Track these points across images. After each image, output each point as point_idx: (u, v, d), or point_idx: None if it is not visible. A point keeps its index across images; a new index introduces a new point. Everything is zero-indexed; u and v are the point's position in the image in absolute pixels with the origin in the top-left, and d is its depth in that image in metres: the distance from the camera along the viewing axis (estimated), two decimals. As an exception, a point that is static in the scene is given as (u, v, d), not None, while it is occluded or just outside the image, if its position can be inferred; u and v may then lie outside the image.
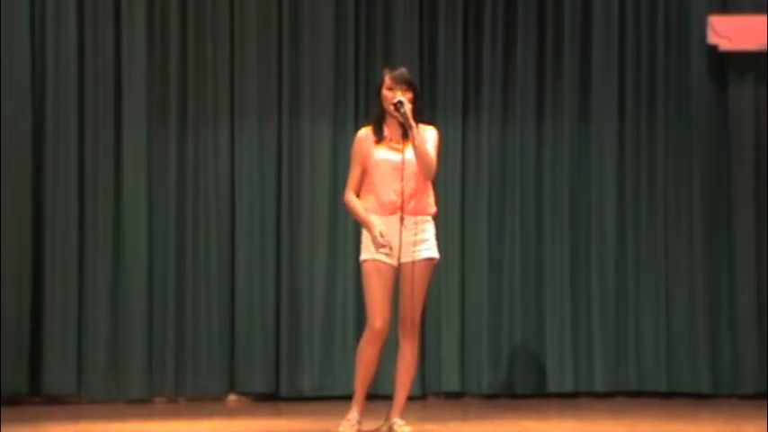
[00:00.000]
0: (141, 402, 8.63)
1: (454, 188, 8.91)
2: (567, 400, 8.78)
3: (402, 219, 6.46)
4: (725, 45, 8.88)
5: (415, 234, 6.49)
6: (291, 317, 8.81)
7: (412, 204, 6.49)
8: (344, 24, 8.91)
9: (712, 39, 8.88)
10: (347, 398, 8.08)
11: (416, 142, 6.42)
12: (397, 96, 6.42)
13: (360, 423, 6.55)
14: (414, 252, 6.49)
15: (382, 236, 6.42)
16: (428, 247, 6.54)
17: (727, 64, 8.98)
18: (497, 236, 8.95)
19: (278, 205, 8.88)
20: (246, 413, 8.27)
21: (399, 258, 6.47)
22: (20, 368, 8.52)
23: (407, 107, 6.41)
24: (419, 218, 6.52)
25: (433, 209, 6.62)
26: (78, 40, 8.74)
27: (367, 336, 6.52)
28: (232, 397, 8.81)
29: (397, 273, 6.51)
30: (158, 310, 8.74)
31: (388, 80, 6.52)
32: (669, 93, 9.01)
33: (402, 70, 6.56)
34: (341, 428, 6.55)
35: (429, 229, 6.57)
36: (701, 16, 8.94)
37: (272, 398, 8.77)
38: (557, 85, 8.99)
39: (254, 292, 8.80)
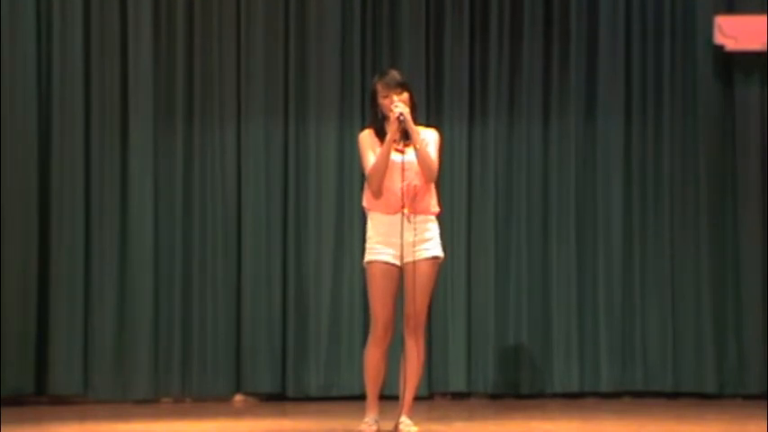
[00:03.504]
0: (147, 402, 8.64)
1: (461, 188, 8.91)
2: (573, 400, 8.78)
3: (406, 218, 6.48)
4: (731, 45, 8.87)
5: (418, 233, 6.50)
6: (298, 317, 8.82)
7: (415, 204, 6.50)
8: (351, 25, 8.92)
9: (718, 39, 8.87)
10: (354, 398, 8.12)
11: (418, 146, 6.45)
12: (396, 109, 6.42)
13: (377, 423, 6.58)
14: (415, 251, 6.51)
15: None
16: (431, 246, 6.56)
17: (733, 64, 8.97)
18: (504, 236, 8.95)
19: (284, 205, 8.88)
20: (253, 413, 8.28)
21: (403, 258, 6.49)
22: (26, 368, 8.53)
23: (407, 114, 6.43)
24: (422, 217, 6.54)
25: (436, 208, 6.64)
26: (84, 40, 8.75)
27: (371, 338, 6.58)
28: (238, 397, 8.82)
29: (401, 273, 6.52)
30: (165, 310, 8.75)
31: (380, 88, 6.56)
32: (675, 93, 9.00)
33: (392, 74, 6.60)
34: (361, 427, 6.57)
35: (432, 229, 6.59)
36: (707, 16, 8.93)
37: (278, 398, 8.78)
38: (563, 84, 8.98)
39: (261, 292, 8.80)
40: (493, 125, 8.99)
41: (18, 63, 8.66)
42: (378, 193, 6.51)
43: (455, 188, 8.88)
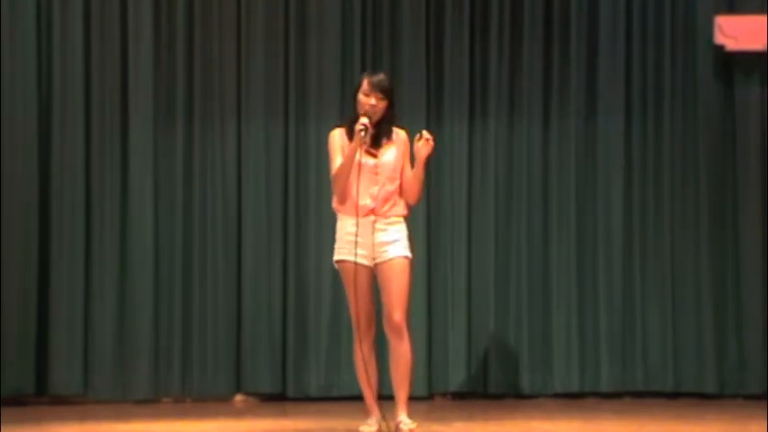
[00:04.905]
0: (148, 402, 8.64)
1: (461, 188, 8.90)
2: (573, 400, 8.78)
3: (375, 221, 6.49)
4: (731, 45, 8.87)
5: (388, 235, 6.52)
6: (298, 317, 8.82)
7: (386, 207, 6.53)
8: (351, 25, 8.92)
9: (719, 39, 8.87)
10: (354, 398, 8.10)
11: (419, 178, 6.54)
12: (362, 119, 6.42)
13: (379, 424, 6.59)
14: (385, 252, 6.52)
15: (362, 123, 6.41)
16: (400, 247, 6.56)
17: (733, 64, 8.97)
18: (504, 236, 8.94)
19: (284, 205, 8.88)
20: (253, 413, 8.28)
21: (375, 259, 6.52)
22: (26, 368, 8.53)
23: (370, 132, 6.43)
24: (391, 219, 6.56)
25: (405, 211, 6.65)
26: (85, 40, 8.75)
27: (355, 335, 6.59)
28: (239, 397, 8.82)
29: (373, 273, 6.54)
30: (165, 309, 8.75)
31: (365, 84, 6.54)
32: (675, 93, 9.00)
33: (381, 77, 6.58)
34: (361, 428, 6.57)
35: (401, 230, 6.60)
36: (707, 16, 8.93)
37: (278, 398, 8.78)
38: (563, 85, 8.98)
39: (261, 292, 8.81)
40: (493, 125, 8.99)
41: (18, 63, 8.66)
42: (342, 197, 6.54)
43: (455, 188, 8.87)
